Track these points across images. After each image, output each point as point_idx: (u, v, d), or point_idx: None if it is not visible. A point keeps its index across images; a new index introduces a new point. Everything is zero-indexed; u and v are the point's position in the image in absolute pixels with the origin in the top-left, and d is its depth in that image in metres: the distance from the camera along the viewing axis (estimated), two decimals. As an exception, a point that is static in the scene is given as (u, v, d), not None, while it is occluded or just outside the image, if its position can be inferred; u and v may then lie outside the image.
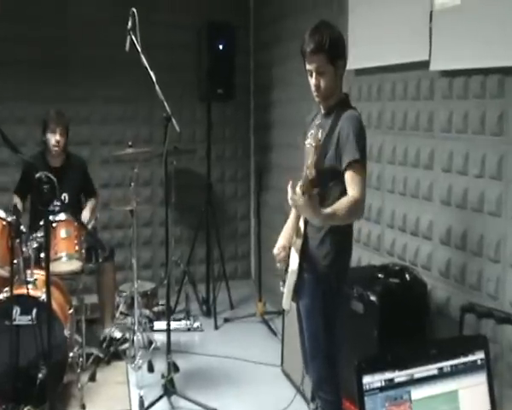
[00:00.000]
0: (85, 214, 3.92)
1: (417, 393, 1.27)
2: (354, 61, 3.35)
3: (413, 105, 3.09)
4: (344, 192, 2.27)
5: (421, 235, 3.05)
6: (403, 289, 2.87)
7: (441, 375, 1.29)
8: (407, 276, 2.92)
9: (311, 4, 4.14)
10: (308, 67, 2.34)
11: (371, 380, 1.24)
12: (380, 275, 2.94)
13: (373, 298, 2.80)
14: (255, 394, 3.45)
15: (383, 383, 1.25)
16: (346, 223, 2.33)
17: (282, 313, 3.54)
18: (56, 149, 3.85)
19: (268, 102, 5.03)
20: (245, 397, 3.42)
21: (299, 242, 2.36)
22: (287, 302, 2.46)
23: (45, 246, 2.58)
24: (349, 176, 2.25)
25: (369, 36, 3.32)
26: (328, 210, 2.17)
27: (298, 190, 2.08)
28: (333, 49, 2.30)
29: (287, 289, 2.43)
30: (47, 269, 2.52)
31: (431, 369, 1.29)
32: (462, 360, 1.32)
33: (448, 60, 2.76)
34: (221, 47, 4.68)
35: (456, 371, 1.31)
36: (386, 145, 3.33)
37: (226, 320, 4.59)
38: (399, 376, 1.26)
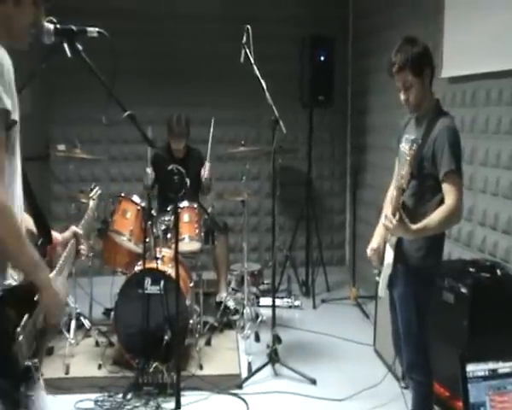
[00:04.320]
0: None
1: (522, 385, 1.17)
2: (448, 70, 3.17)
3: (508, 111, 2.87)
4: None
5: (513, 233, 2.83)
6: (494, 283, 2.67)
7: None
8: (498, 271, 2.72)
9: (406, 16, 3.97)
10: (396, 83, 2.27)
11: (475, 369, 1.17)
12: (471, 269, 2.76)
13: (464, 290, 2.65)
14: (349, 369, 3.38)
15: (487, 373, 1.17)
16: (442, 231, 2.23)
17: (374, 297, 3.44)
18: (178, 151, 4.04)
19: (364, 108, 4.90)
20: (340, 371, 3.36)
21: (393, 239, 2.31)
22: (382, 290, 2.41)
23: (175, 228, 2.65)
24: (446, 186, 2.18)
25: (464, 45, 3.13)
26: (419, 226, 2.13)
27: (389, 214, 2.12)
28: (416, 64, 2.19)
29: (382, 279, 2.38)
30: (176, 247, 2.57)
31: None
32: None
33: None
34: (322, 58, 4.64)
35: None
36: (479, 148, 3.12)
37: (323, 301, 4.55)
38: (503, 367, 1.18)
